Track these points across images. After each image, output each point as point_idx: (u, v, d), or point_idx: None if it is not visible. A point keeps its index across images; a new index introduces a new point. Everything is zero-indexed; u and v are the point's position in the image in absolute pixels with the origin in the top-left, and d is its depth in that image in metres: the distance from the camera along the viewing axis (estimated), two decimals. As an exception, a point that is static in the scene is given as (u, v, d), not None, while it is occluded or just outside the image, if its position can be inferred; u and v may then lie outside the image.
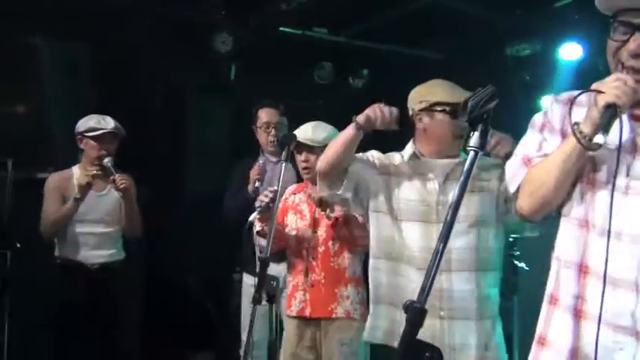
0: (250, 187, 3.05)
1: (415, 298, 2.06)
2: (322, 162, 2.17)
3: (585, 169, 1.44)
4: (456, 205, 1.10)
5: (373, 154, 2.32)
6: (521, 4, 4.22)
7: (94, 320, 3.06)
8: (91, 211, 3.09)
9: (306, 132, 2.66)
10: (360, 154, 2.30)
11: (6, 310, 3.00)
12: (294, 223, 2.78)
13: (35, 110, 3.64)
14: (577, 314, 1.41)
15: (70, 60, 3.84)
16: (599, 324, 1.32)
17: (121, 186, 3.05)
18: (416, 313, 1.05)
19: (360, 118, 2.10)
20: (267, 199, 2.49)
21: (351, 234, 2.62)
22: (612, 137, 1.36)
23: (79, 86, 3.81)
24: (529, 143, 1.55)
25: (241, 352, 2.75)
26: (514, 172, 1.55)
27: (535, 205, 1.48)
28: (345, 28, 4.74)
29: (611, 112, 1.28)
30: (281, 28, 4.52)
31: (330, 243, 2.69)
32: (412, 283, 2.12)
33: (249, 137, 3.48)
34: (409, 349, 1.03)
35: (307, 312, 2.64)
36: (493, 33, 4.49)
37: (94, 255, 3.12)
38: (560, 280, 1.48)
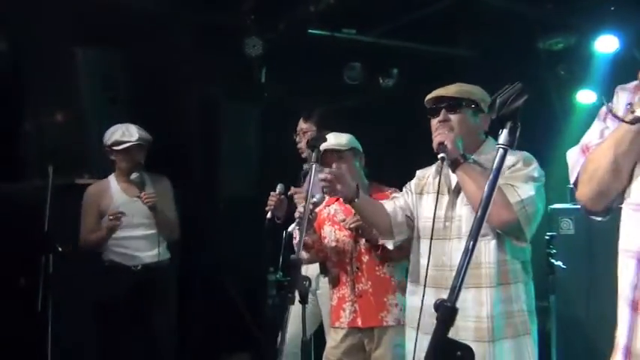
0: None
1: (426, 321, 2.03)
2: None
3: None
4: (485, 204, 1.10)
5: (412, 182, 2.34)
6: (552, -2, 4.14)
7: (137, 320, 3.18)
8: (129, 216, 3.21)
9: (328, 140, 2.59)
10: (397, 194, 2.39)
11: (49, 312, 3.11)
12: (333, 234, 2.75)
13: (74, 118, 3.76)
14: (634, 307, 1.35)
15: (106, 68, 3.95)
16: None
17: (148, 203, 3.19)
18: (447, 312, 1.05)
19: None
20: (300, 214, 2.47)
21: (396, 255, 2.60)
22: None
23: (115, 93, 3.91)
24: (591, 132, 1.52)
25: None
26: (573, 162, 1.52)
27: (593, 192, 1.44)
28: (373, 28, 4.74)
29: None
30: (310, 31, 4.55)
31: (373, 252, 2.66)
32: (426, 304, 2.07)
33: (279, 139, 3.51)
34: (440, 347, 1.03)
35: (359, 322, 2.63)
36: (525, 27, 4.41)
37: (136, 257, 3.24)
38: (621, 270, 1.42)
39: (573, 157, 1.53)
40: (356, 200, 2.20)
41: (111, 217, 3.15)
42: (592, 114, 1.58)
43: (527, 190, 1.97)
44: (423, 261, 2.14)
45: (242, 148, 4.61)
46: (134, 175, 3.21)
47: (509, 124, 1.10)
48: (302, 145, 3.23)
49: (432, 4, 4.19)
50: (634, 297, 1.36)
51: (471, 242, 1.08)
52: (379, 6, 4.21)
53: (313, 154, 2.21)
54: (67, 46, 3.70)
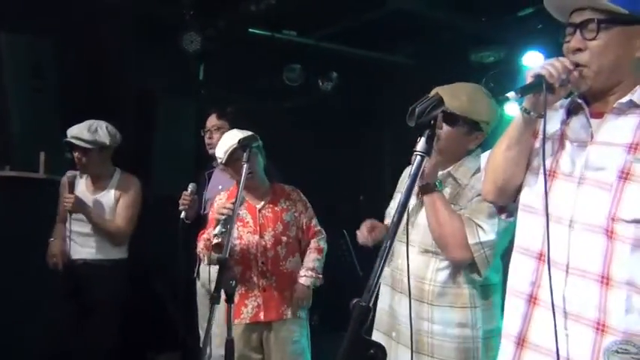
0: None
1: (383, 320, 2.05)
2: None
3: (534, 158, 1.52)
4: (401, 209, 1.14)
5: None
6: (485, 12, 4.32)
7: (73, 314, 3.15)
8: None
9: (236, 136, 2.65)
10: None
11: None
12: (236, 232, 2.75)
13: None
14: (532, 301, 1.47)
15: (35, 58, 3.78)
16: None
17: (65, 207, 3.13)
18: (361, 311, 1.08)
19: None
20: (230, 212, 2.42)
21: None
22: (576, 134, 1.47)
23: (43, 85, 3.74)
24: None
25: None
26: (484, 164, 1.64)
27: (493, 187, 1.57)
28: (314, 31, 4.78)
29: (536, 80, 1.39)
30: (250, 30, 4.53)
31: (278, 247, 2.74)
32: (383, 304, 2.10)
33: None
34: (353, 345, 1.06)
35: (261, 316, 2.68)
36: (458, 40, 4.59)
37: (82, 252, 3.21)
38: (516, 267, 1.54)
39: (484, 159, 1.66)
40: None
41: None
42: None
43: (490, 231, 1.90)
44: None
45: (177, 147, 4.52)
46: (68, 173, 3.17)
47: (426, 132, 1.15)
48: (213, 141, 3.18)
49: (371, 11, 4.27)
50: (531, 292, 1.48)
51: (388, 243, 1.12)
52: (319, 10, 4.25)
53: (244, 154, 2.22)
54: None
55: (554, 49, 1.54)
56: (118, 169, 3.38)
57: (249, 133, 2.71)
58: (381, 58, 5.07)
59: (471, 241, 1.89)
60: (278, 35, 4.64)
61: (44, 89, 3.67)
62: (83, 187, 3.28)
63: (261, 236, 2.74)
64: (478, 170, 2.01)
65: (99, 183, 3.30)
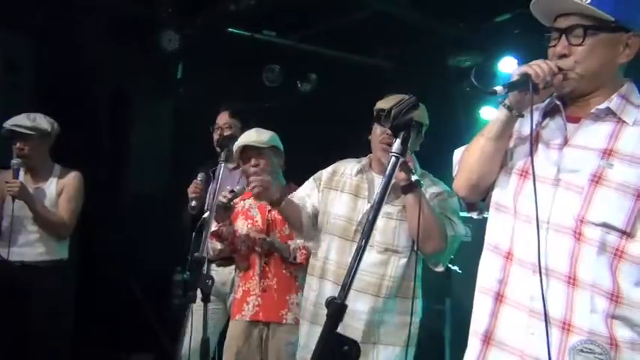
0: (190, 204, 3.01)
1: (320, 314, 2.09)
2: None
3: (507, 158, 1.55)
4: (377, 208, 1.16)
5: (323, 174, 2.38)
6: (463, 18, 4.38)
7: (10, 320, 3.01)
8: (23, 209, 3.05)
9: (250, 136, 2.66)
10: (310, 184, 2.40)
11: None
12: (245, 228, 2.77)
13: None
14: (499, 299, 1.49)
15: (9, 54, 3.71)
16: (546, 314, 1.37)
17: (8, 193, 3.01)
18: (336, 309, 1.10)
19: None
20: (225, 200, 2.47)
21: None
22: (551, 136, 1.49)
23: (18, 81, 3.68)
24: None
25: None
26: (457, 159, 1.65)
27: (466, 182, 1.58)
28: (293, 32, 4.79)
29: (522, 78, 1.41)
30: (229, 29, 4.52)
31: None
32: (321, 298, 2.17)
33: (192, 138, 3.47)
34: (328, 342, 1.08)
35: (261, 315, 2.68)
36: (437, 44, 4.64)
37: (21, 252, 3.07)
38: (486, 264, 1.56)
39: (458, 154, 1.67)
40: (282, 204, 2.24)
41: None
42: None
43: (460, 229, 2.15)
44: (331, 256, 2.22)
45: (154, 146, 4.49)
46: (15, 161, 3.04)
47: (402, 134, 1.17)
48: (215, 135, 3.17)
49: (351, 14, 4.30)
50: (499, 290, 1.50)
51: (363, 242, 1.14)
52: (299, 11, 4.27)
53: (222, 153, 2.22)
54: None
55: (530, 55, 1.57)
56: (57, 164, 3.25)
57: (269, 132, 2.69)
58: (361, 61, 5.10)
59: (448, 232, 2.09)
60: (257, 35, 4.64)
61: (19, 85, 3.62)
62: (22, 180, 3.09)
63: (267, 236, 2.72)
64: (421, 174, 2.19)
65: (39, 176, 3.17)
